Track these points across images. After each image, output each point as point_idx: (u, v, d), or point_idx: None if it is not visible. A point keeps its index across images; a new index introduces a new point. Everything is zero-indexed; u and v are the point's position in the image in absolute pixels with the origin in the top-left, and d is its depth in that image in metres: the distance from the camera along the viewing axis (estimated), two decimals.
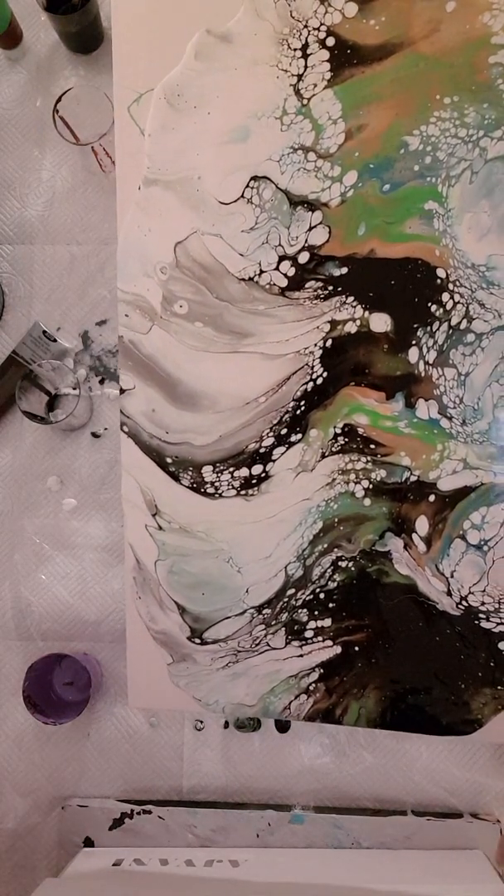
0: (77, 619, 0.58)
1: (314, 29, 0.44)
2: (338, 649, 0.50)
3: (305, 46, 0.44)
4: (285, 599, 0.50)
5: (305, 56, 0.44)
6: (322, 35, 0.44)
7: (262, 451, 0.50)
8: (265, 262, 0.47)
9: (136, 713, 0.57)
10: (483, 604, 0.49)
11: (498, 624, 0.49)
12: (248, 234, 0.47)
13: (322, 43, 0.44)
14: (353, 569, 0.50)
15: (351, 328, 0.48)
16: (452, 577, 0.49)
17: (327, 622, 0.50)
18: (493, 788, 0.55)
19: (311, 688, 0.51)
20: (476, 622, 0.49)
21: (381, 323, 0.47)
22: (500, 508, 0.49)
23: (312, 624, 0.50)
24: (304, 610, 0.50)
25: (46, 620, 0.58)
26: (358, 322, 0.47)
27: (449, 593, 0.49)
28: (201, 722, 0.57)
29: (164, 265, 0.48)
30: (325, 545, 0.50)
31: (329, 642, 0.50)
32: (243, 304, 0.48)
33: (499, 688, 0.49)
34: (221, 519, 0.51)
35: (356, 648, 0.50)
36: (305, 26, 0.44)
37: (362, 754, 0.56)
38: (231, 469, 0.50)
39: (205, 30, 0.44)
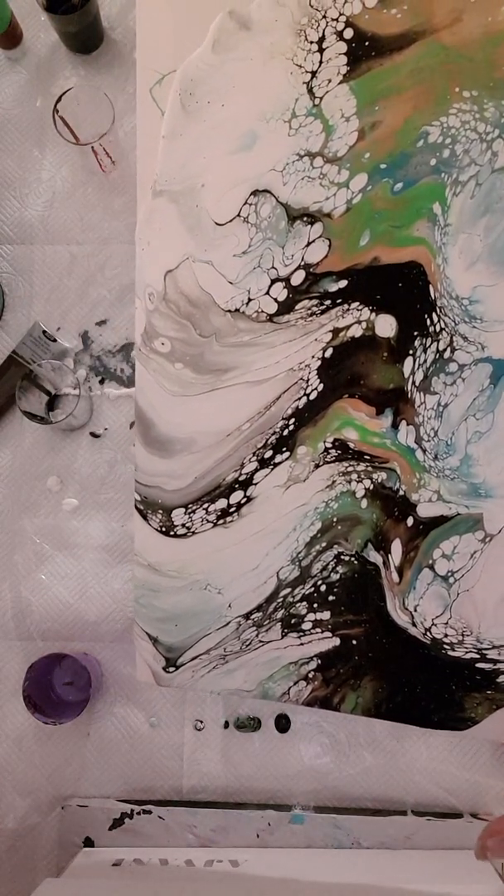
0: (77, 619, 0.58)
1: (332, 20, 0.43)
2: (336, 641, 0.50)
3: (322, 39, 0.43)
4: (279, 600, 0.50)
5: (321, 50, 0.43)
6: (340, 27, 0.43)
7: (241, 478, 0.48)
8: (255, 289, 0.46)
9: (136, 713, 0.57)
10: (446, 636, 0.49)
11: (467, 652, 0.49)
12: (240, 258, 0.46)
13: (340, 35, 0.43)
14: (355, 562, 0.49)
15: (356, 331, 0.46)
16: (416, 610, 0.49)
17: (326, 615, 0.50)
18: (493, 788, 0.55)
19: (309, 675, 0.51)
20: (444, 651, 0.49)
21: (387, 327, 0.47)
22: (472, 538, 0.48)
23: (311, 616, 0.50)
24: (304, 603, 0.50)
25: (46, 620, 0.58)
26: (364, 324, 0.46)
27: (414, 624, 0.49)
28: (201, 722, 0.57)
29: (153, 291, 0.46)
30: (324, 544, 0.49)
31: (328, 633, 0.50)
32: (226, 338, 0.46)
33: (489, 692, 0.49)
34: (196, 554, 0.48)
35: (354, 642, 0.50)
36: (324, 16, 0.43)
37: (362, 754, 0.56)
38: (206, 505, 0.48)
39: (228, 11, 0.43)
